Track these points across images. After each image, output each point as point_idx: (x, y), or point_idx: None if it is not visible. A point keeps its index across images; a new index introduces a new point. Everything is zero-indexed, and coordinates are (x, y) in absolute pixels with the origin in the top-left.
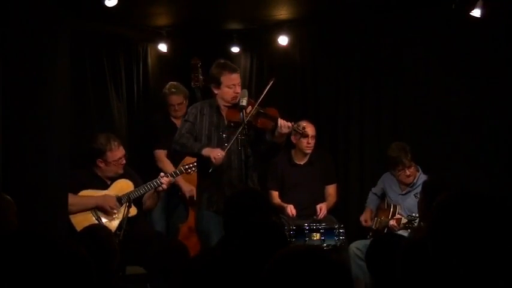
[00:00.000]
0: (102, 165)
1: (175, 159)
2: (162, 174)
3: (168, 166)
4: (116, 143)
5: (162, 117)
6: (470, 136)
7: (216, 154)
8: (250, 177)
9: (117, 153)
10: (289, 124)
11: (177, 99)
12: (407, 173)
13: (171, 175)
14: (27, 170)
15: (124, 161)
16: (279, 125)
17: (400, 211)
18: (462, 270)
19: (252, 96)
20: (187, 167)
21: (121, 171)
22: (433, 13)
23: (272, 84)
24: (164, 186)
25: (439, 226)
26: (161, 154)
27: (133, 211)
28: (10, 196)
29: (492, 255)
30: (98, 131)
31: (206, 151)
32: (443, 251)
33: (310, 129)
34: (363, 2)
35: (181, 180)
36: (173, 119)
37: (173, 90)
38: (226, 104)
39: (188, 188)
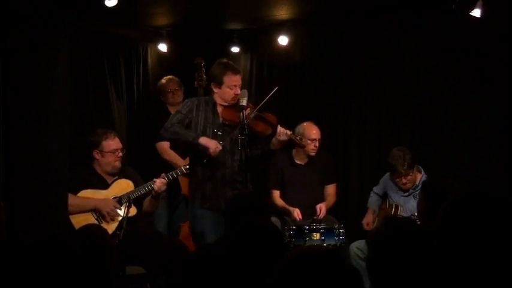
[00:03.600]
0: (98, 156)
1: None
2: (162, 175)
3: (174, 157)
4: (111, 134)
5: (159, 109)
6: (470, 136)
7: (215, 146)
8: (245, 177)
9: (112, 143)
10: (288, 132)
11: (172, 85)
12: (404, 181)
13: (167, 177)
14: (27, 170)
15: (121, 154)
16: (277, 132)
17: (401, 212)
18: (471, 271)
19: (252, 96)
20: (188, 167)
21: (119, 166)
22: (433, 13)
23: (275, 92)
24: (155, 191)
25: (450, 227)
26: (164, 145)
27: (133, 211)
28: (10, 196)
29: (504, 257)
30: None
31: (204, 140)
32: (453, 251)
33: (315, 133)
34: (362, 2)
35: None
36: (170, 108)
37: (168, 77)
38: (224, 104)
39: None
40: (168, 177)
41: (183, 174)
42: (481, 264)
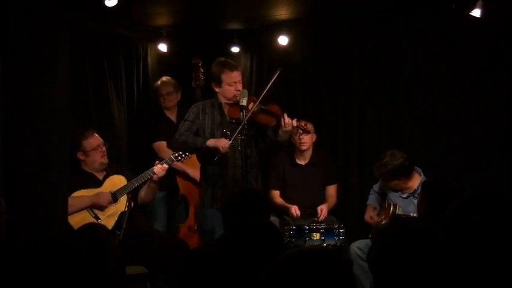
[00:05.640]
0: (82, 157)
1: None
2: (156, 162)
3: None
4: (89, 132)
5: (155, 110)
6: (470, 136)
7: (223, 144)
8: (254, 176)
9: (92, 140)
10: (294, 123)
11: (167, 88)
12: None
13: (165, 163)
14: (27, 171)
15: (104, 149)
16: (284, 122)
17: (399, 211)
18: (481, 271)
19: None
20: (177, 154)
21: (106, 161)
22: (433, 13)
23: (278, 75)
24: (155, 176)
25: (460, 227)
26: (161, 145)
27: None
28: (10, 196)
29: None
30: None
31: (211, 142)
32: (463, 251)
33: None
34: (362, 3)
35: (187, 167)
36: (165, 111)
37: (164, 80)
38: (228, 102)
39: (196, 173)
40: (165, 163)
41: (176, 160)
42: (491, 264)
